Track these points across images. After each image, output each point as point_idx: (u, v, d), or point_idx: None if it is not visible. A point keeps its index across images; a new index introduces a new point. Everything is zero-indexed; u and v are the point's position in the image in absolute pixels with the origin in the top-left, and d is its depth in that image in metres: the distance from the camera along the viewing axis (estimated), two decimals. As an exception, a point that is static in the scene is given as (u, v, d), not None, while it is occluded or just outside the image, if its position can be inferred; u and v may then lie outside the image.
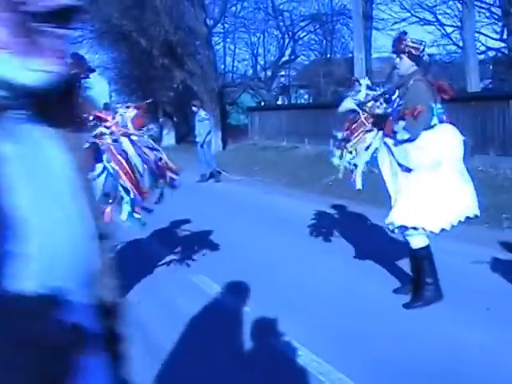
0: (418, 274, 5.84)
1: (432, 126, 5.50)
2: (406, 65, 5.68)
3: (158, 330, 5.45)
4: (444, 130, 5.56)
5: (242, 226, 10.02)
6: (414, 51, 5.65)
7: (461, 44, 25.15)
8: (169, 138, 34.58)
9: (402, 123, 5.41)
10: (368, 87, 5.92)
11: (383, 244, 7.64)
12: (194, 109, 17.05)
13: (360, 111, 5.88)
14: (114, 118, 5.37)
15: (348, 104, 6.05)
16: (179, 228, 9.47)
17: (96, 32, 31.30)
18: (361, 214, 9.97)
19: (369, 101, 5.81)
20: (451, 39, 25.35)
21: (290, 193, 14.16)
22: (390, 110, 5.70)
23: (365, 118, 5.85)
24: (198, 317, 5.73)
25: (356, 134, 5.91)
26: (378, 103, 5.80)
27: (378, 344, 4.98)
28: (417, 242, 5.69)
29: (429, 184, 5.46)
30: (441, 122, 5.59)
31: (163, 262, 7.63)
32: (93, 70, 5.62)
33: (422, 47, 5.72)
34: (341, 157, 6.21)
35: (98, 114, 5.30)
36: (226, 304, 6.06)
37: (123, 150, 5.23)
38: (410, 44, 5.65)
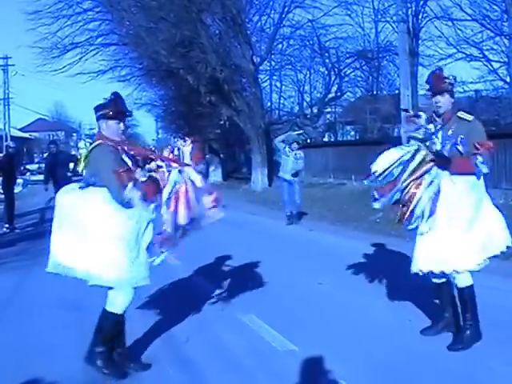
0: (453, 313, 5.89)
1: None
2: (447, 102, 5.61)
3: (205, 369, 5.42)
4: None
5: (287, 263, 9.99)
6: (453, 88, 5.63)
7: (508, 79, 24.94)
8: (215, 175, 34.83)
9: (480, 158, 5.35)
10: (427, 121, 5.73)
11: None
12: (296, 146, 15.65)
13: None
14: (172, 151, 5.51)
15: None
16: (224, 264, 9.48)
17: (144, 70, 31.91)
18: (409, 252, 9.82)
19: (426, 139, 5.58)
20: (498, 75, 25.10)
21: (336, 230, 14.10)
22: (447, 146, 5.53)
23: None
24: (246, 356, 5.71)
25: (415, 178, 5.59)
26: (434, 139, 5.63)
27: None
28: (464, 280, 5.63)
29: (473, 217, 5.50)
30: None
31: (210, 299, 7.62)
32: (128, 112, 5.73)
33: (454, 81, 5.70)
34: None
35: (164, 157, 5.45)
36: (273, 343, 6.01)
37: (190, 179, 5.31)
38: (452, 81, 5.63)
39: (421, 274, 5.73)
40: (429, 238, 5.55)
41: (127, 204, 5.04)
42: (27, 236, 14.66)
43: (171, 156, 5.49)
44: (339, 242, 12.41)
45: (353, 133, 40.08)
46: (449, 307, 5.98)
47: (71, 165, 16.04)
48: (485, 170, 5.40)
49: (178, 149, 5.56)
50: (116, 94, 5.45)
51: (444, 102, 5.61)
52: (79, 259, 5.04)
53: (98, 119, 5.31)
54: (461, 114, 5.58)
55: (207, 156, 37.47)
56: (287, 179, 15.44)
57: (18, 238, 14.50)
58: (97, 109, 5.31)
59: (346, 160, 24.43)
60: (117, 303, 5.18)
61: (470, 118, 5.54)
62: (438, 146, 5.55)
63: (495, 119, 27.47)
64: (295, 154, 15.42)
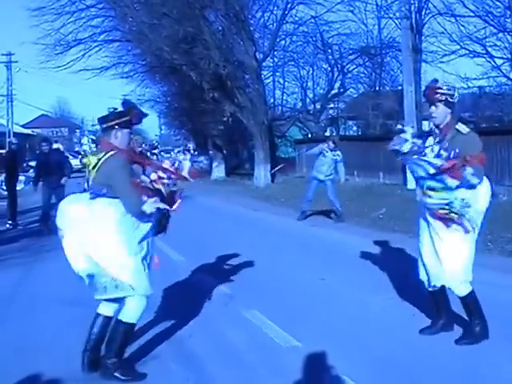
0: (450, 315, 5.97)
1: None
2: (443, 113, 5.56)
3: (208, 365, 5.42)
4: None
5: (290, 259, 9.99)
6: (449, 98, 5.53)
7: (511, 76, 24.90)
8: (218, 171, 34.81)
9: (470, 169, 5.32)
10: (413, 135, 5.73)
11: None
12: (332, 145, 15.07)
13: None
14: (173, 164, 5.48)
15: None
16: (227, 260, 9.46)
17: (147, 66, 31.91)
18: (412, 248, 9.81)
19: (414, 153, 5.59)
20: (501, 71, 25.07)
21: (338, 226, 14.08)
22: (442, 162, 5.41)
23: None
24: (248, 352, 5.71)
25: None
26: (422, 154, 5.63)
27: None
28: (463, 290, 5.65)
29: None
30: None
31: (213, 295, 7.62)
32: (145, 115, 5.65)
33: (456, 93, 5.62)
34: None
35: (163, 166, 5.45)
36: (276, 339, 6.01)
37: None
38: (446, 92, 5.53)
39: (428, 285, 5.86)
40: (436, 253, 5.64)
41: (141, 216, 5.05)
42: (30, 233, 14.64)
43: (172, 168, 5.44)
44: (342, 237, 12.40)
45: (355, 128, 40.06)
46: (445, 311, 5.99)
47: (65, 169, 14.79)
48: (475, 181, 5.38)
49: (180, 162, 5.56)
50: (130, 102, 5.42)
51: (439, 112, 5.56)
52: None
53: (109, 128, 5.10)
54: (458, 126, 5.58)
55: (210, 152, 37.56)
56: (321, 179, 15.01)
57: (21, 234, 14.50)
58: (109, 117, 5.12)
59: (348, 156, 24.30)
60: (134, 313, 5.13)
61: (465, 130, 5.54)
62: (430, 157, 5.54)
63: (499, 115, 27.48)
64: (334, 155, 14.90)
